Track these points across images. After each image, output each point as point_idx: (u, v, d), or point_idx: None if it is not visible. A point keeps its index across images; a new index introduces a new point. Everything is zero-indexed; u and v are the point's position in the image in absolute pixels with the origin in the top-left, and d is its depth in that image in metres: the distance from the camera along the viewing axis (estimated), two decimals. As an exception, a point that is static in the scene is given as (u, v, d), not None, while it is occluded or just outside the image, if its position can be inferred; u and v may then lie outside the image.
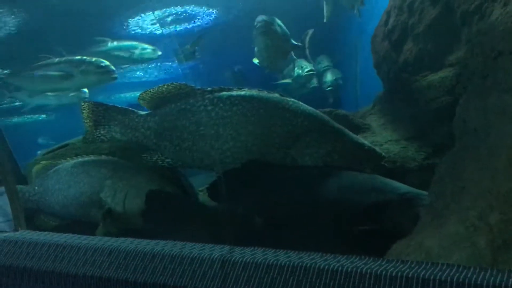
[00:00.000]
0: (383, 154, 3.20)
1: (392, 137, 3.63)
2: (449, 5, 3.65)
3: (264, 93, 3.14)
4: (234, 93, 3.11)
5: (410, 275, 1.69)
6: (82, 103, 3.34)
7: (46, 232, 2.78)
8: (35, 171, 3.73)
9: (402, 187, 2.65)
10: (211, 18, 6.80)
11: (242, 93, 3.11)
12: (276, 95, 3.12)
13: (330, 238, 2.47)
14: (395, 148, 3.46)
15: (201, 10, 6.63)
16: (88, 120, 3.37)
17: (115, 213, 3.20)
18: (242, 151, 3.01)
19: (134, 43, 6.16)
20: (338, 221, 2.52)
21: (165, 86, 3.22)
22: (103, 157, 3.57)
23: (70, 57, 5.25)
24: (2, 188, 4.52)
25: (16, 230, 2.92)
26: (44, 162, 3.74)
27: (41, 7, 5.37)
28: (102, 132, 3.35)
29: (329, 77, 6.76)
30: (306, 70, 6.61)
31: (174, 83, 3.23)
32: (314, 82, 6.85)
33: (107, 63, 5.19)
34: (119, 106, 3.38)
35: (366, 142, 3.17)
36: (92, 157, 3.58)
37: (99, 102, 3.39)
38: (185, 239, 2.28)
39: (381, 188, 2.62)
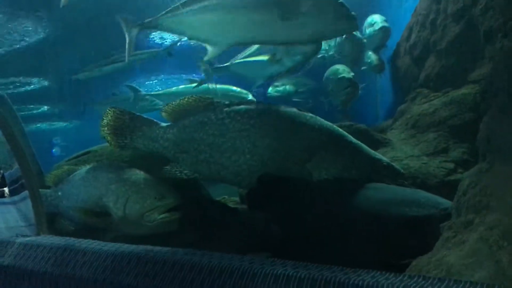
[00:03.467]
0: (401, 170, 3.17)
1: (413, 152, 3.60)
2: (472, 22, 3.64)
3: (282, 107, 3.15)
4: (252, 106, 3.13)
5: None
6: (108, 109, 3.39)
7: (67, 237, 2.82)
8: (55, 176, 3.80)
9: (445, 202, 2.64)
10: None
11: (260, 107, 3.14)
12: (294, 109, 3.14)
13: (369, 252, 2.46)
14: (415, 164, 3.43)
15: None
16: (106, 128, 3.41)
17: (116, 218, 3.23)
18: (258, 164, 3.02)
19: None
20: (377, 234, 2.50)
21: (186, 99, 3.27)
22: (115, 163, 3.62)
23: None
24: (25, 193, 4.61)
25: (38, 234, 2.97)
26: (66, 167, 3.81)
27: (62, 19, 5.47)
28: (125, 141, 3.40)
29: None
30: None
31: (194, 96, 3.28)
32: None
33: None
34: (144, 116, 3.43)
35: (384, 158, 3.15)
36: (105, 163, 3.65)
37: (125, 110, 3.44)
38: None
39: (423, 203, 2.61)
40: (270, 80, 5.31)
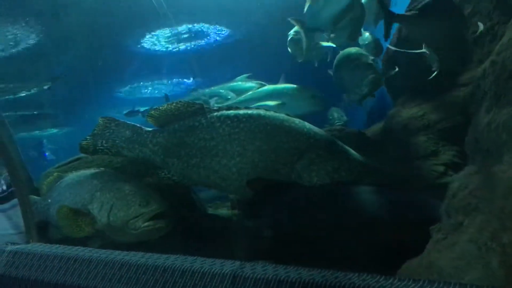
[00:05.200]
0: (390, 173, 3.19)
1: (403, 155, 3.62)
2: (462, 26, 3.68)
3: (271, 112, 3.18)
4: (241, 111, 3.15)
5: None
6: (99, 119, 3.39)
7: (57, 245, 2.80)
8: (47, 183, 3.78)
9: (436, 204, 2.64)
10: (222, 36, 6.90)
11: (250, 111, 3.16)
12: (283, 114, 3.16)
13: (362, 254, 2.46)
14: (406, 167, 3.45)
15: (212, 28, 6.72)
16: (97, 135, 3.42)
17: (101, 226, 3.19)
18: (248, 167, 3.03)
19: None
20: (371, 237, 2.51)
21: (174, 104, 3.27)
22: (102, 169, 3.59)
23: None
24: (15, 201, 4.57)
25: (28, 242, 2.95)
26: (55, 174, 3.79)
27: (55, 25, 5.47)
28: (105, 144, 3.38)
29: None
30: None
31: (182, 101, 3.28)
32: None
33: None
34: (128, 122, 3.42)
35: (370, 162, 3.17)
36: (92, 170, 3.61)
37: (112, 117, 3.43)
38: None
39: (432, 205, 2.62)
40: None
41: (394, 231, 2.53)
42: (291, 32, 4.90)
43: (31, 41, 5.62)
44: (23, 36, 5.45)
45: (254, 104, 5.07)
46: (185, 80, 7.76)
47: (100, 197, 3.24)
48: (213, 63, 6.97)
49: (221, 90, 6.05)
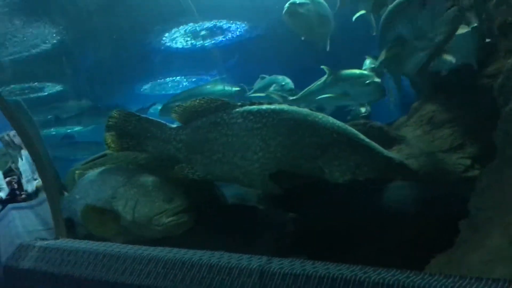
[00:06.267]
0: (414, 168, 3.15)
1: (428, 149, 3.57)
2: (487, 17, 3.61)
3: (294, 107, 3.16)
4: (264, 106, 3.14)
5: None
6: (114, 112, 3.40)
7: (86, 241, 2.85)
8: (72, 180, 3.82)
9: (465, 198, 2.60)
10: (242, 32, 6.89)
11: (272, 106, 3.15)
12: (306, 109, 3.14)
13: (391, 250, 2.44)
14: (432, 161, 3.40)
15: (232, 24, 6.73)
16: (110, 130, 3.41)
17: (126, 222, 3.20)
18: (271, 162, 3.02)
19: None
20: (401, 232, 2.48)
21: (197, 101, 3.28)
22: (125, 165, 3.61)
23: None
24: (42, 198, 4.66)
25: (56, 238, 3.00)
26: (78, 171, 3.84)
27: (77, 22, 5.53)
28: (130, 143, 3.40)
29: None
30: None
31: (206, 97, 3.29)
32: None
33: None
34: (151, 118, 3.44)
35: (396, 156, 3.12)
36: (115, 166, 3.63)
37: (131, 111, 3.45)
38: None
39: (460, 200, 2.58)
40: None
41: (422, 227, 2.50)
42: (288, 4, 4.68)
43: (54, 40, 5.70)
44: (47, 35, 5.54)
45: (317, 97, 4.97)
46: (206, 77, 7.79)
47: (124, 194, 3.27)
48: (234, 59, 7.00)
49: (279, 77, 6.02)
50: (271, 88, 5.87)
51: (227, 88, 6.51)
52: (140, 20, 5.73)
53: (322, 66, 4.93)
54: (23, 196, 7.94)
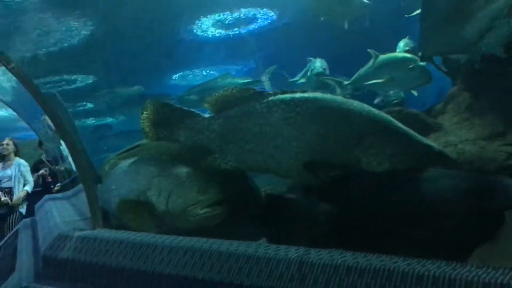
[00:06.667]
0: (453, 157, 3.04)
1: (467, 136, 3.44)
2: None
3: (328, 95, 3.09)
4: (297, 95, 3.08)
5: (487, 280, 1.59)
6: (147, 103, 3.41)
7: (122, 231, 2.87)
8: (106, 171, 3.86)
9: None
10: (270, 20, 6.81)
11: (306, 94, 3.08)
12: (340, 97, 3.07)
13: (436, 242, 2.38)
14: (471, 148, 3.28)
15: (261, 12, 6.65)
16: (146, 121, 3.41)
17: (160, 212, 3.19)
18: (305, 151, 2.97)
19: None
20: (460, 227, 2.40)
21: (229, 90, 3.25)
22: (157, 156, 3.59)
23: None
24: (76, 189, 4.75)
25: (94, 228, 3.04)
26: (112, 161, 3.86)
27: (111, 16, 5.56)
28: (164, 133, 3.40)
29: None
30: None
31: (238, 87, 3.26)
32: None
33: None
34: (185, 108, 3.43)
35: (435, 144, 3.02)
36: (148, 156, 3.63)
37: (165, 102, 3.45)
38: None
39: (506, 189, 2.48)
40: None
41: (465, 217, 2.41)
42: None
43: (86, 32, 5.75)
44: (78, 28, 5.59)
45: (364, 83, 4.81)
46: (236, 66, 7.75)
47: (158, 184, 3.27)
48: (263, 48, 6.93)
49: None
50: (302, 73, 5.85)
51: (237, 80, 6.57)
52: (170, 8, 5.72)
53: (368, 50, 4.78)
54: (57, 188, 8.14)
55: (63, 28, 5.29)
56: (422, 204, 2.55)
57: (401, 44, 5.31)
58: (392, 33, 5.34)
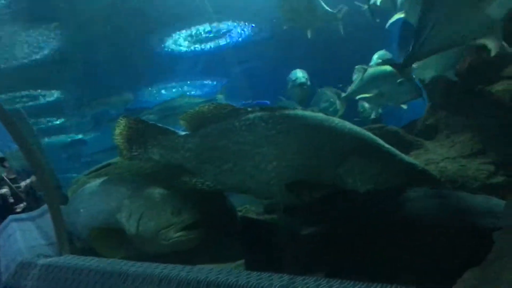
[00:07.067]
0: (437, 176, 2.97)
1: (448, 154, 3.41)
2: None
3: (308, 112, 2.99)
4: (277, 112, 2.97)
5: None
6: (120, 119, 3.23)
7: (91, 257, 2.68)
8: (73, 191, 3.66)
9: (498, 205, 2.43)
10: (247, 34, 6.75)
11: (286, 111, 2.97)
12: (321, 114, 2.97)
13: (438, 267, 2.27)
14: (453, 167, 3.24)
15: (235, 25, 6.58)
16: (119, 137, 3.24)
17: (130, 235, 3.03)
18: (287, 171, 2.84)
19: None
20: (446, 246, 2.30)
21: (206, 106, 3.10)
22: (129, 176, 3.43)
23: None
24: (43, 208, 4.48)
25: (60, 254, 2.83)
26: (80, 181, 3.67)
27: (82, 27, 5.38)
28: (139, 150, 3.24)
29: None
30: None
31: (215, 103, 3.12)
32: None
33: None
34: (159, 125, 3.28)
35: (418, 163, 2.95)
36: (115, 176, 3.46)
37: (138, 118, 3.29)
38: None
39: (497, 212, 2.40)
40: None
41: (453, 238, 2.33)
42: None
43: (53, 46, 5.55)
44: (46, 41, 5.38)
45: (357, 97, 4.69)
46: (208, 81, 7.65)
47: (129, 205, 3.09)
48: (237, 61, 6.85)
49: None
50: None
51: (193, 100, 6.55)
52: (143, 23, 5.59)
53: (356, 66, 4.70)
54: (19, 209, 7.61)
55: (30, 41, 5.07)
56: (407, 225, 2.46)
57: (375, 56, 5.28)
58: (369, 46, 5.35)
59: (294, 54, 5.96)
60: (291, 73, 6.17)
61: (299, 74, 6.05)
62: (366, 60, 5.18)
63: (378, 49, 5.24)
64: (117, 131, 3.22)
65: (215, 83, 7.56)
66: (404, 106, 4.65)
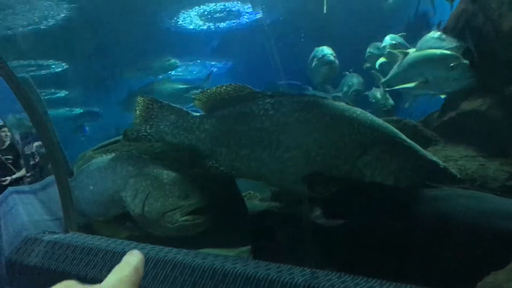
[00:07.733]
0: (458, 175, 2.88)
1: (467, 152, 3.31)
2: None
3: (330, 100, 2.88)
4: (297, 98, 2.85)
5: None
6: (138, 98, 3.13)
7: (99, 237, 2.59)
8: (79, 166, 3.57)
9: None
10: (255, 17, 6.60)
11: (306, 98, 2.86)
12: (343, 103, 2.86)
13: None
14: (472, 165, 3.14)
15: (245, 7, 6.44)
16: (139, 119, 3.15)
17: (134, 215, 2.96)
18: (304, 161, 2.74)
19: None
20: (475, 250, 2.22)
21: (224, 88, 2.97)
22: (137, 154, 3.35)
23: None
24: (46, 181, 4.36)
25: (66, 231, 2.73)
26: (87, 155, 3.58)
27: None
28: (149, 130, 3.13)
29: None
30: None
31: (233, 84, 2.99)
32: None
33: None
34: (173, 104, 3.16)
35: (440, 161, 2.85)
36: (123, 153, 3.37)
37: (153, 98, 3.17)
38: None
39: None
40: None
41: (479, 239, 2.25)
42: None
43: (60, 17, 5.40)
44: (53, 11, 5.23)
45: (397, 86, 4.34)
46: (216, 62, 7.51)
47: (134, 184, 3.00)
48: (244, 45, 6.72)
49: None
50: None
51: (175, 86, 6.42)
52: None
53: (388, 50, 4.50)
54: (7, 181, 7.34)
55: (38, 8, 4.91)
56: (432, 225, 2.38)
57: (387, 38, 5.07)
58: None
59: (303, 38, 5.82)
60: (315, 50, 5.85)
61: (327, 51, 5.72)
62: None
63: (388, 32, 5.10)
64: (137, 112, 3.12)
65: (221, 65, 7.42)
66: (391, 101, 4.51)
